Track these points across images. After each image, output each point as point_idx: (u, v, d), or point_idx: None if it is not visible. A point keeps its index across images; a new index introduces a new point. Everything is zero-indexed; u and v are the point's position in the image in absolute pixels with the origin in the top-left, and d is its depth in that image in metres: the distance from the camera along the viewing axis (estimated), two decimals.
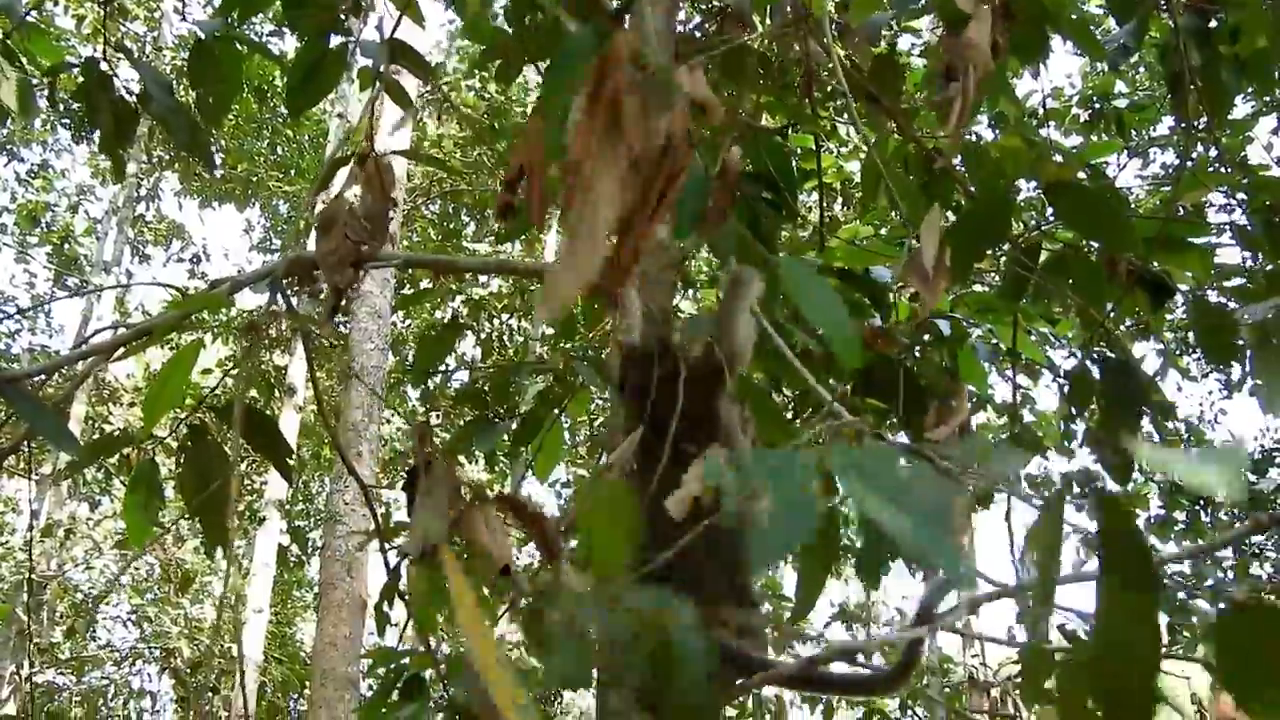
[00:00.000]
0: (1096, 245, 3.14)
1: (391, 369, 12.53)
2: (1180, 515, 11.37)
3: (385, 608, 3.89)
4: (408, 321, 16.09)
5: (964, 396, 3.43)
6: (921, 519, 1.17)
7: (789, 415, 4.39)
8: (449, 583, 1.35)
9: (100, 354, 2.14)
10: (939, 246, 2.32)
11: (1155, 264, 3.19)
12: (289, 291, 2.31)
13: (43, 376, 2.27)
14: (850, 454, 1.26)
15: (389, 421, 16.50)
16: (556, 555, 2.27)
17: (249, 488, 16.36)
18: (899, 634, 2.00)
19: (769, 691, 14.12)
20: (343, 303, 2.24)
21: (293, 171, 17.53)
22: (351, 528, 9.77)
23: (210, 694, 14.75)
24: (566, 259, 1.46)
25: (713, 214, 2.56)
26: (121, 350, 2.18)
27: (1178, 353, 11.57)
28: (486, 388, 4.29)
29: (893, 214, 6.00)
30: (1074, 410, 3.47)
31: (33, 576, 13.28)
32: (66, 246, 18.79)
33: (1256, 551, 12.58)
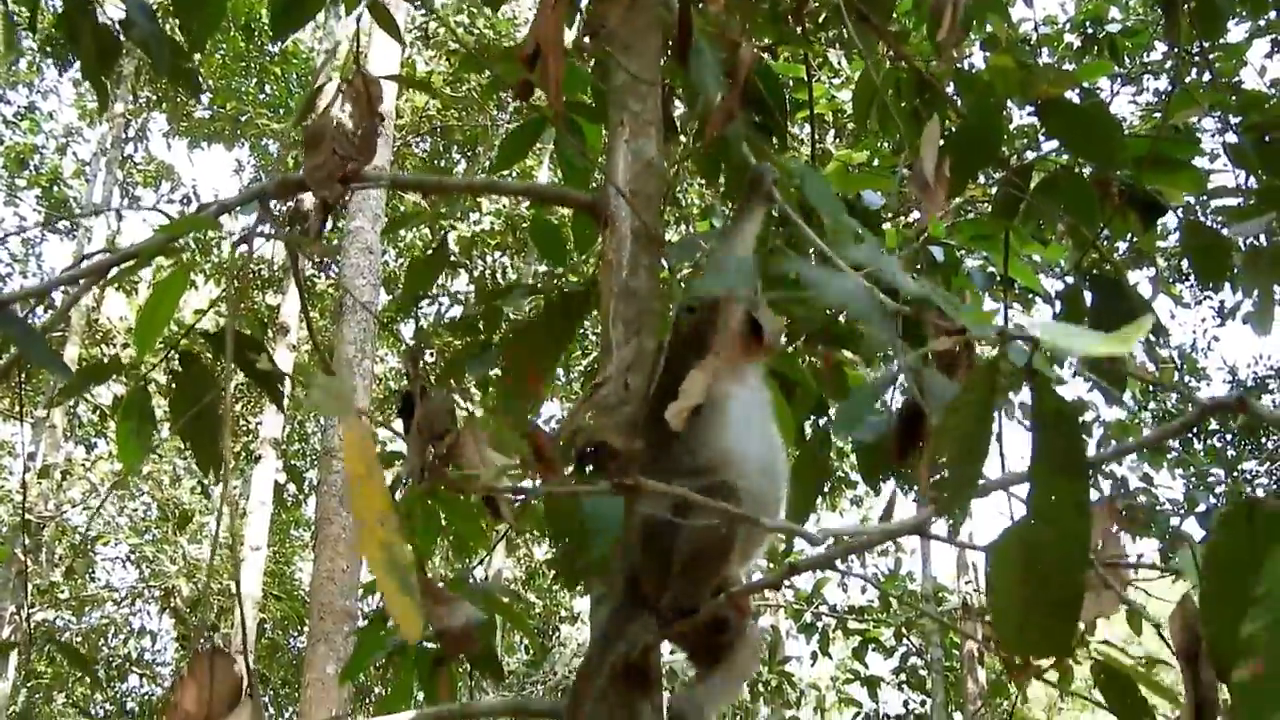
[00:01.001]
0: (1088, 167, 3.13)
1: (384, 307, 12.49)
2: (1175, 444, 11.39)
3: None
4: (400, 259, 16.03)
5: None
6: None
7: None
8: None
9: (90, 275, 2.14)
10: (938, 157, 2.32)
11: (1147, 184, 3.16)
12: (278, 214, 2.30)
13: (34, 302, 2.27)
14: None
15: (383, 360, 16.47)
16: (556, 474, 2.31)
17: (244, 428, 16.38)
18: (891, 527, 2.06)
19: (763, 623, 14.33)
20: (329, 222, 2.23)
21: (281, 110, 17.34)
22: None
23: (210, 632, 14.87)
24: None
25: (721, 113, 2.57)
26: (113, 273, 2.17)
27: (1170, 280, 11.57)
28: (480, 316, 4.14)
29: (883, 143, 6.00)
30: None
31: (30, 518, 13.31)
32: (55, 189, 18.60)
33: (1250, 478, 12.66)
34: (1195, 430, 12.21)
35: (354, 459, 1.35)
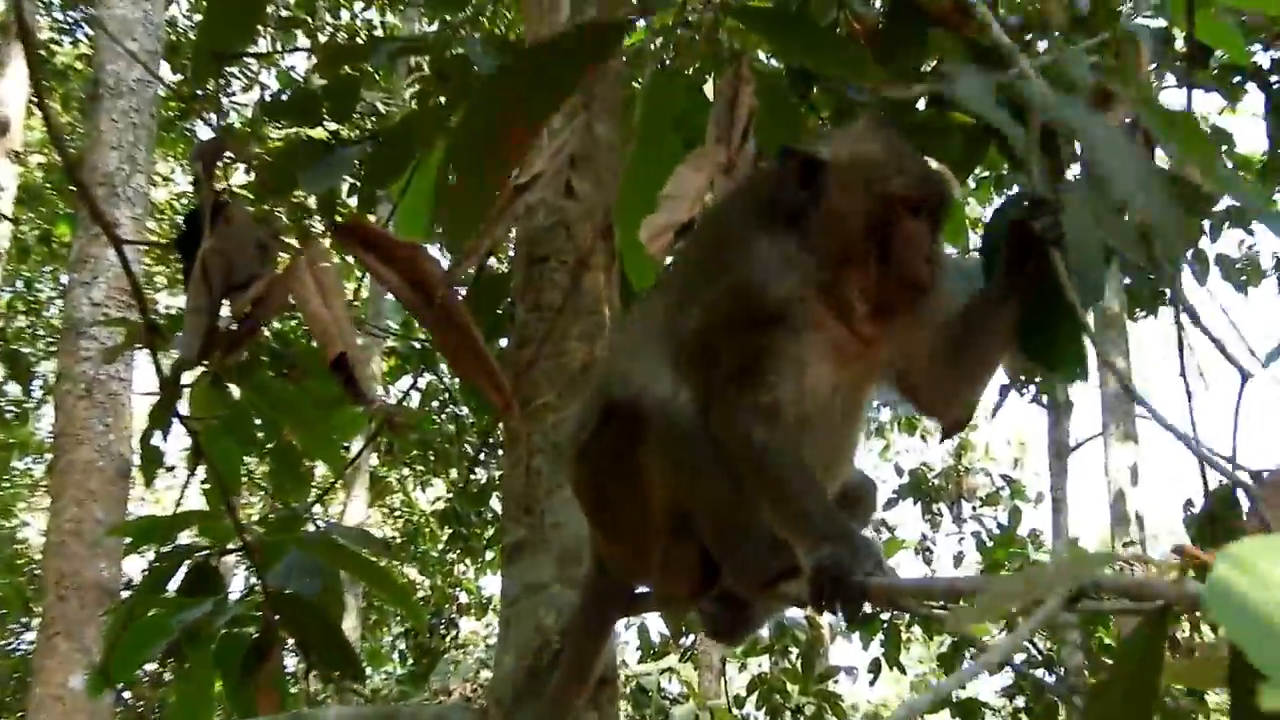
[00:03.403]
0: None
1: (169, 91, 11.33)
2: None
3: (157, 440, 3.59)
4: (194, 12, 14.84)
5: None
6: None
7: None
8: None
9: None
10: None
11: None
12: None
13: None
14: None
15: (166, 179, 15.45)
16: (441, 304, 2.29)
17: None
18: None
19: (797, 615, 13.43)
20: None
21: None
22: (103, 342, 8.83)
23: None
24: None
25: None
26: None
27: None
28: (322, 93, 4.04)
29: None
30: None
31: None
32: None
33: None
34: None
35: None
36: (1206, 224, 11.99)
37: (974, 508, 14.39)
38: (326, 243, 2.69)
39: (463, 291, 4.42)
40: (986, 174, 10.29)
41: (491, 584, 16.80)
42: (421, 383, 14.76)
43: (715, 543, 2.55)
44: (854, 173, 2.60)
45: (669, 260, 2.90)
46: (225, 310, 2.69)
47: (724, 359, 2.49)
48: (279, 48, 13.92)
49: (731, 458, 2.45)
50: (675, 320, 2.62)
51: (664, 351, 2.59)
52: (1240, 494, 2.57)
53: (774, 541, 2.43)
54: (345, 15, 14.50)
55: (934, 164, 2.76)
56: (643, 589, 2.88)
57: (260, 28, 11.65)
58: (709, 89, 3.85)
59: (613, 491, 2.63)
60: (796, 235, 2.57)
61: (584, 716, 3.10)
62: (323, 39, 13.95)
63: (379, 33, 14.17)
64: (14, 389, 16.71)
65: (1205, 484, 2.73)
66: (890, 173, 2.58)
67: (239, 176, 9.83)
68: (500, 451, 8.47)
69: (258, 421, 3.72)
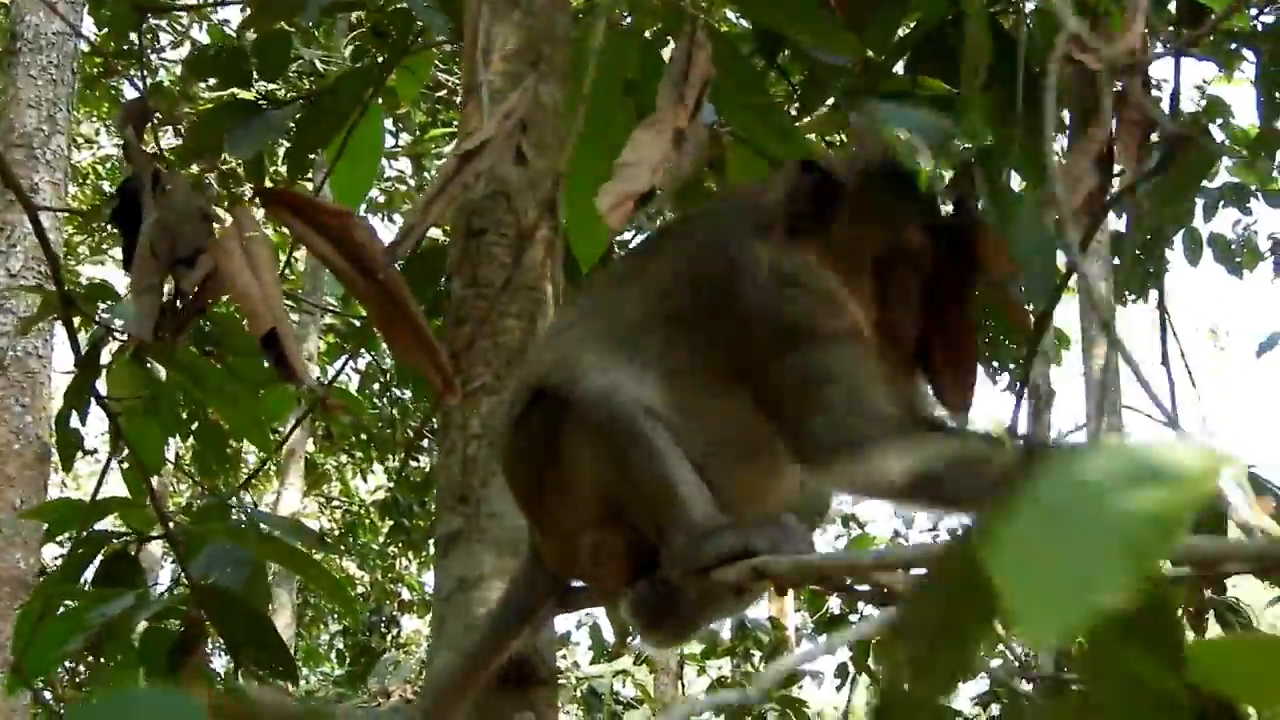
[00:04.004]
0: None
1: (94, 43, 11.18)
2: None
3: (75, 421, 3.57)
4: None
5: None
6: None
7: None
8: None
9: None
10: None
11: None
12: None
13: None
14: None
15: (90, 142, 15.29)
16: (376, 275, 2.29)
17: None
18: None
19: (759, 616, 13.39)
20: None
21: None
22: (19, 315, 8.72)
23: None
24: None
25: None
26: None
27: None
28: (251, 50, 3.98)
29: None
30: None
31: None
32: None
33: None
34: None
35: None
36: (1200, 202, 12.05)
37: None
38: (260, 213, 2.68)
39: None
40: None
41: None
42: (362, 364, 14.69)
43: (649, 529, 2.55)
44: (871, 208, 2.63)
45: (628, 250, 2.94)
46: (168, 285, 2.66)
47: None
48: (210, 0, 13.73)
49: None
50: (652, 317, 2.63)
51: (618, 344, 2.60)
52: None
53: (708, 529, 2.43)
54: None
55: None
56: (577, 583, 2.84)
57: None
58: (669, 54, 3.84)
59: (541, 479, 2.63)
60: (807, 252, 2.60)
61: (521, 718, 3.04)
62: None
63: None
64: None
65: None
66: (902, 221, 2.62)
67: (168, 139, 9.78)
68: None
69: (182, 401, 3.69)
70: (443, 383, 2.24)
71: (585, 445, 2.52)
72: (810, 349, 2.49)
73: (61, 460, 3.93)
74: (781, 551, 2.29)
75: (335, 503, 17.36)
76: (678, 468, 2.48)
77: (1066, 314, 12.24)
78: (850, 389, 2.46)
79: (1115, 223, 8.73)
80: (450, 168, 2.34)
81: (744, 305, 2.53)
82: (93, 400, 3.30)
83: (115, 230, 2.75)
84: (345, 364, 7.23)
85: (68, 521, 3.87)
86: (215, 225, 2.66)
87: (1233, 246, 13.35)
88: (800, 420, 2.47)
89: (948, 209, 2.71)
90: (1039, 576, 0.94)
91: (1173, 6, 4.13)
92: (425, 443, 12.75)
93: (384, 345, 9.89)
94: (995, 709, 13.10)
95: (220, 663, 7.15)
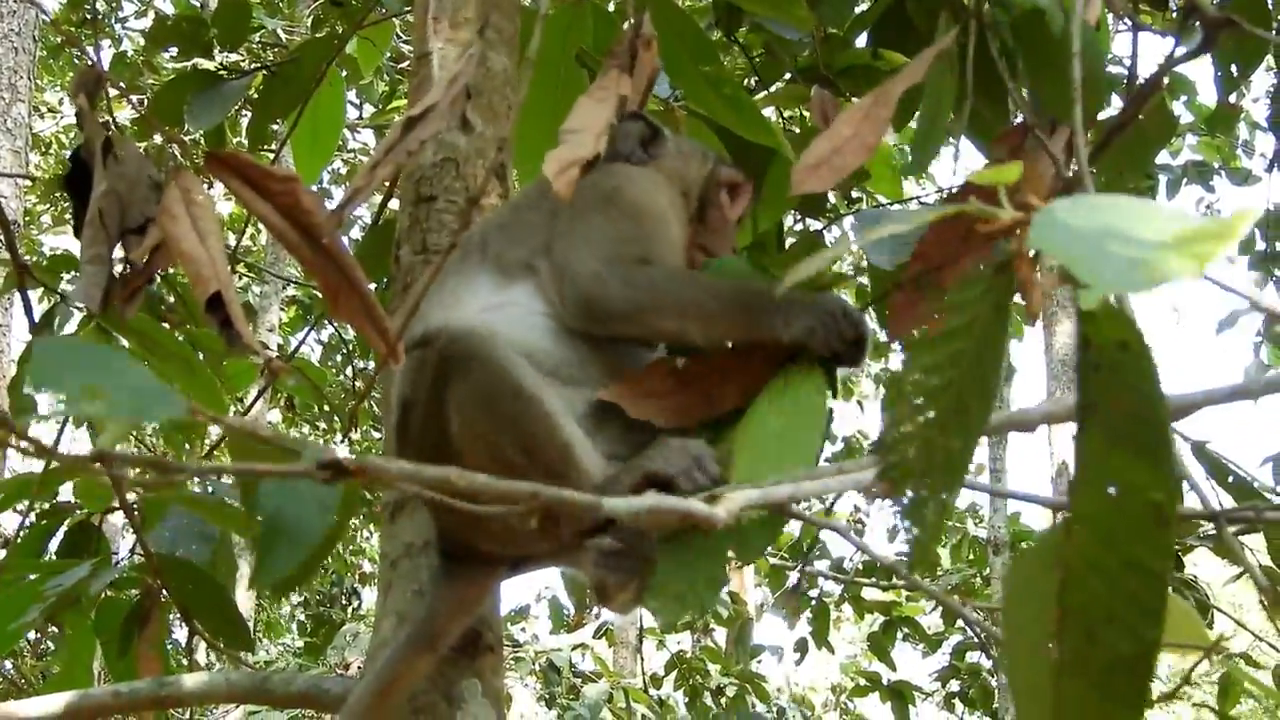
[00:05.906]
0: None
1: (55, 18, 11.15)
2: None
3: (29, 388, 3.45)
4: None
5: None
6: None
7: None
8: None
9: None
10: None
11: None
12: None
13: None
14: None
15: (52, 110, 15.19)
16: (321, 240, 2.25)
17: None
18: None
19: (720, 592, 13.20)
20: None
21: None
22: None
23: None
24: None
25: None
26: None
27: None
28: (211, 19, 3.96)
29: None
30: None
31: None
32: None
33: None
34: None
35: None
36: (1164, 180, 12.03)
37: None
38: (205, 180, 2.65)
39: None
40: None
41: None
42: (325, 335, 14.60)
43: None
44: (689, 150, 3.17)
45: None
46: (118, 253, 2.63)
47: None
48: None
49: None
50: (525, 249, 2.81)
51: (499, 285, 2.76)
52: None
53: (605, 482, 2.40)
54: None
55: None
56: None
57: None
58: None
59: (439, 442, 2.55)
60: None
61: (466, 686, 2.96)
62: None
63: None
64: None
65: None
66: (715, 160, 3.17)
67: (130, 111, 9.68)
68: None
69: None
70: (386, 348, 2.22)
71: (471, 393, 2.49)
72: (605, 210, 2.79)
73: (15, 428, 3.88)
74: (674, 466, 2.34)
75: None
76: (563, 421, 2.46)
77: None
78: (619, 246, 2.70)
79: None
80: (394, 134, 2.33)
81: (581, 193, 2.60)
82: None
83: (68, 195, 2.73)
84: (307, 334, 7.18)
85: (22, 491, 3.82)
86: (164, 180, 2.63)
87: None
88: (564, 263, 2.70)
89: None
90: (1104, 252, 1.06)
91: None
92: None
93: None
94: (955, 685, 13.07)
95: (182, 634, 7.12)
